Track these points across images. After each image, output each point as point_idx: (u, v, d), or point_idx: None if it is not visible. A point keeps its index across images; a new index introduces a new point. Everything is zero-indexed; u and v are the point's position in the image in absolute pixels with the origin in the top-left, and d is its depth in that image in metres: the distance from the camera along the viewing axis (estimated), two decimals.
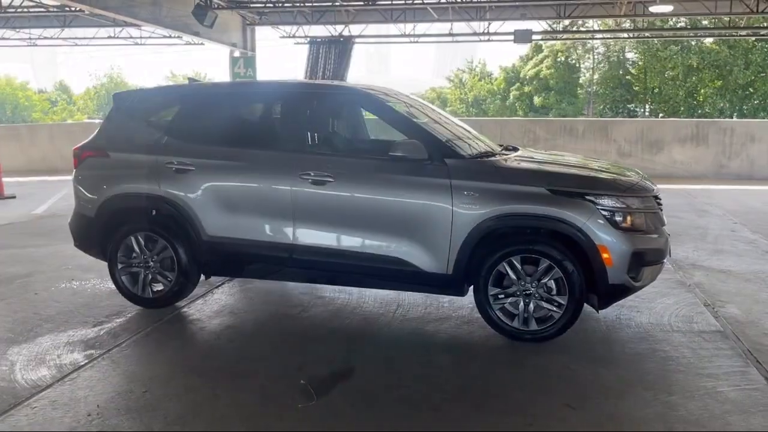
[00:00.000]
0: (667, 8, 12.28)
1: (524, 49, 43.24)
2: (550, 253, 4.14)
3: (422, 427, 3.20)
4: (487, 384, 3.69)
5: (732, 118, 31.11)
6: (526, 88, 43.12)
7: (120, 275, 4.99)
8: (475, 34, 15.65)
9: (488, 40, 15.40)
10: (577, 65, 42.96)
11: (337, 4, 14.18)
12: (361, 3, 14.42)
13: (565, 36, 21.99)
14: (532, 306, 4.25)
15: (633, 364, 3.95)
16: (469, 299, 4.93)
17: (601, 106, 41.53)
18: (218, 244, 4.74)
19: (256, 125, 5.15)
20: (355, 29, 15.91)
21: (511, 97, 44.14)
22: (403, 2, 14.29)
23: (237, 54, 16.78)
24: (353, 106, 5.49)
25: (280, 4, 13.75)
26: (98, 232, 5.00)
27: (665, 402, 3.42)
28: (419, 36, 16.37)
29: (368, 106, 4.84)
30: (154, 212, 4.98)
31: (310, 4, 14.12)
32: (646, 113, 40.48)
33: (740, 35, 24.58)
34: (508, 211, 4.17)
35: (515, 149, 5.04)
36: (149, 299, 4.98)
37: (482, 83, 49.75)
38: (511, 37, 14.86)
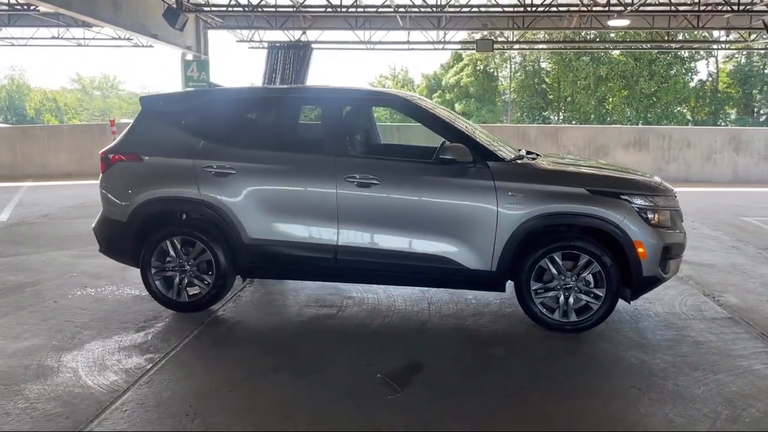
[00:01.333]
0: (624, 22, 13.13)
1: (445, 56, 44.43)
2: (590, 249, 4.47)
3: (510, 412, 3.43)
4: (551, 371, 3.96)
5: (638, 125, 33.14)
6: (448, 95, 43.98)
7: (153, 280, 4.94)
8: (430, 42, 16.09)
9: (443, 49, 15.85)
10: (496, 74, 44.33)
11: (295, 10, 14.24)
12: (321, 9, 14.53)
13: (518, 46, 22.79)
14: (572, 299, 4.56)
15: (670, 348, 4.32)
16: (492, 295, 5.25)
17: (519, 114, 43.20)
18: (261, 247, 4.80)
19: (297, 129, 5.23)
20: (312, 35, 15.99)
21: None
22: (363, 10, 14.51)
23: (189, 57, 16.48)
24: (387, 110, 5.67)
25: (239, 8, 13.64)
26: (130, 236, 4.94)
27: (715, 380, 3.80)
28: (376, 43, 16.65)
29: (408, 111, 5.01)
30: (183, 216, 5.00)
31: (270, 9, 14.10)
32: (560, 120, 42.49)
33: (645, 48, 26.25)
34: (551, 211, 4.47)
35: (537, 154, 5.36)
36: (184, 303, 4.96)
37: (405, 90, 50.65)
38: (460, 46, 15.39)
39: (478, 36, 13.85)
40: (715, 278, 6.13)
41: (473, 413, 3.39)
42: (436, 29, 14.55)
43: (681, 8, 12.71)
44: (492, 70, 44.64)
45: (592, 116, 38.27)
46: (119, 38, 16.89)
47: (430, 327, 4.78)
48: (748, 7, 11.57)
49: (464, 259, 4.59)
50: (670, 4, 11.95)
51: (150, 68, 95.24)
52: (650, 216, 4.50)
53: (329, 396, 3.58)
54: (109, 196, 5.03)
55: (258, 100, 5.23)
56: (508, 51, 40.47)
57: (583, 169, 4.89)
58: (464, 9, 12.30)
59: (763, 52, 32.65)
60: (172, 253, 4.91)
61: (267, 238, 4.79)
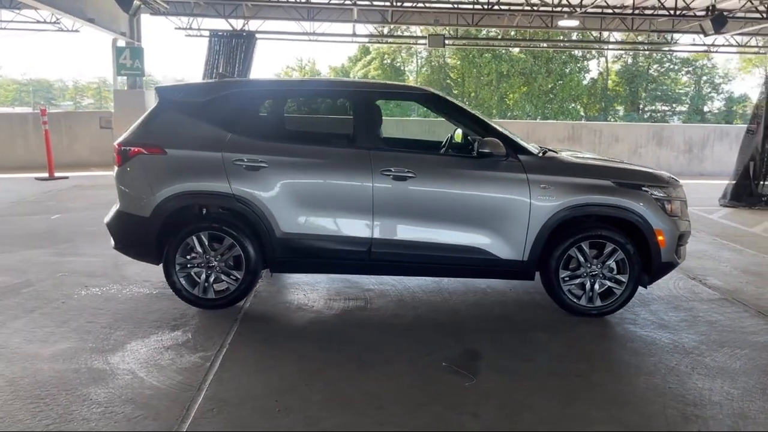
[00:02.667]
0: (573, 23, 13.76)
1: (353, 49, 44.45)
2: (615, 238, 4.76)
3: (588, 392, 3.63)
4: (598, 352, 4.22)
5: (536, 120, 34.56)
6: None
7: (178, 277, 4.78)
8: (374, 36, 16.10)
9: (388, 43, 15.92)
10: (403, 68, 44.74)
11: None
12: None
13: (462, 42, 23.14)
14: (597, 285, 4.84)
15: (690, 328, 4.70)
16: (504, 284, 5.48)
17: (424, 109, 43.94)
18: (294, 241, 4.75)
19: (327, 122, 5.19)
20: (254, 25, 15.62)
21: None
22: (307, 1, 14.36)
23: (122, 43, 15.68)
24: (417, 105, 5.72)
25: None
26: (153, 232, 4.75)
27: (744, 355, 4.20)
28: (320, 35, 16.49)
29: (437, 106, 5.11)
30: (211, 211, 4.87)
31: None
32: None
33: (542, 47, 27.60)
34: (581, 202, 4.72)
35: (554, 149, 5.60)
36: (211, 300, 4.83)
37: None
38: (403, 41, 15.55)
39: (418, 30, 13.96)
40: (692, 264, 6.64)
41: (555, 396, 3.56)
42: (387, 23, 14.63)
43: (617, 10, 13.47)
44: (399, 64, 44.97)
45: (494, 111, 39.49)
46: (43, 21, 15.77)
47: (462, 316, 4.92)
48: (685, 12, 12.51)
49: (497, 250, 4.76)
50: (606, 6, 12.66)
51: (52, 54, 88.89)
52: (666, 206, 4.85)
53: (410, 385, 3.63)
54: (128, 190, 4.81)
55: (287, 93, 5.16)
56: (414, 46, 40.84)
57: (609, 164, 5.19)
58: (418, 5, 12.45)
59: (647, 53, 34.96)
60: (198, 248, 4.77)
61: (301, 232, 4.75)
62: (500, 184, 4.73)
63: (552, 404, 3.46)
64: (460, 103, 5.17)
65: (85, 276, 5.70)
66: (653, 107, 44.47)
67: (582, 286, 4.86)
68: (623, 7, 14.40)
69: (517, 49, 37.01)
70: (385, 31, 17.13)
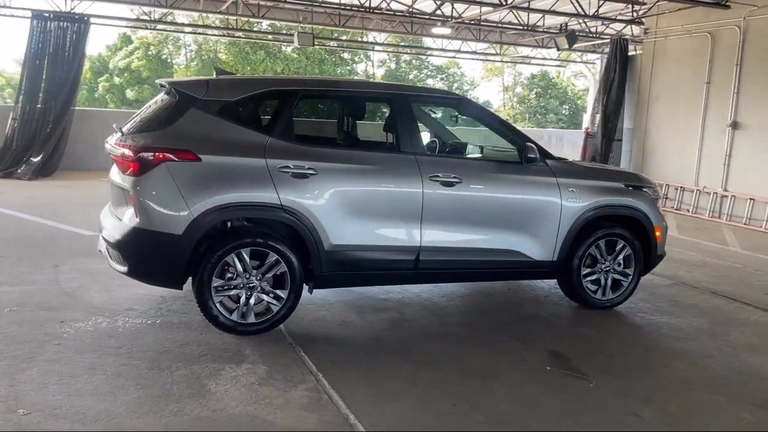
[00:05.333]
0: (446, 31, 14.26)
1: (112, 37, 40.49)
2: (625, 235, 5.23)
3: (687, 380, 3.97)
4: (653, 343, 4.65)
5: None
6: (118, 80, 40.37)
7: (215, 302, 4.17)
8: (231, 29, 15.06)
9: (248, 38, 15.02)
10: (170, 60, 42.29)
11: None
12: None
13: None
14: (609, 280, 5.26)
15: (702, 316, 5.31)
16: (505, 285, 5.69)
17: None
18: (344, 253, 4.43)
19: (372, 126, 4.86)
20: (82, 7, 13.68)
21: (101, 89, 40.83)
22: None
23: None
24: (450, 110, 5.61)
25: None
26: (186, 252, 4.07)
27: (761, 333, 4.90)
28: (157, 22, 14.94)
29: (468, 111, 5.10)
30: (228, 225, 4.33)
31: None
32: None
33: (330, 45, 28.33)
34: (603, 203, 5.10)
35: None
36: (251, 325, 4.28)
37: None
38: (272, 38, 14.81)
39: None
40: None
41: (667, 387, 3.85)
42: (255, 17, 13.80)
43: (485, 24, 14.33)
44: (165, 56, 42.25)
45: None
46: None
47: (504, 319, 5.02)
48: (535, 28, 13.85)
49: (531, 251, 4.93)
50: (480, 20, 13.53)
51: None
52: (658, 205, 5.46)
53: (542, 394, 3.62)
54: (153, 204, 4.04)
55: (328, 94, 4.74)
56: (182, 38, 38.76)
57: (615, 168, 5.64)
58: (288, 2, 12.01)
59: (409, 58, 37.57)
60: (238, 267, 4.20)
61: (351, 243, 4.44)
62: (536, 188, 4.91)
63: (682, 397, 3.74)
64: (490, 109, 5.24)
65: (43, 309, 4.64)
66: None
67: (597, 281, 5.25)
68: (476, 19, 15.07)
69: (290, 48, 36.36)
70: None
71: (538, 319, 5.04)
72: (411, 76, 43.27)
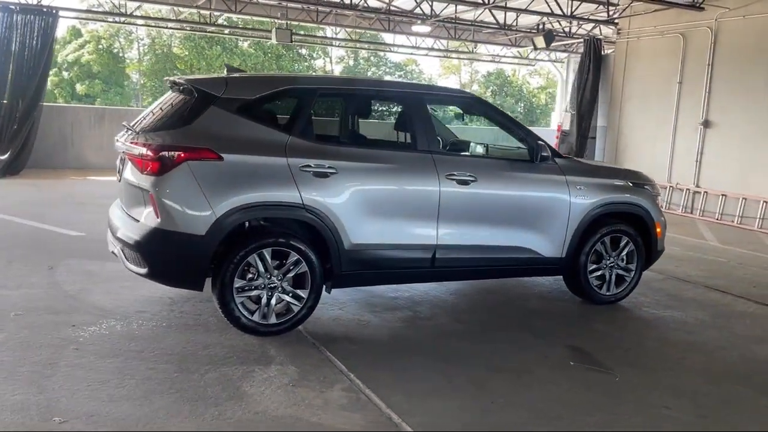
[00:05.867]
0: (426, 29, 14.24)
1: (61, 31, 39.45)
2: (629, 231, 5.36)
3: (711, 370, 4.10)
4: (668, 336, 4.79)
5: None
6: (67, 74, 39.18)
7: (236, 303, 4.11)
8: (197, 22, 14.70)
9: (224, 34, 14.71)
10: (122, 54, 41.13)
11: None
12: None
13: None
14: (614, 275, 5.38)
15: (700, 309, 5.47)
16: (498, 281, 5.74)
17: (151, 99, 40.85)
18: (363, 252, 4.42)
19: (389, 125, 4.85)
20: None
21: (49, 83, 39.50)
22: None
23: None
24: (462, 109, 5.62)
25: None
26: (209, 252, 4.01)
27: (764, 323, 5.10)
28: (130, 16, 14.51)
29: (480, 109, 5.13)
30: (246, 225, 4.27)
31: None
32: None
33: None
34: (609, 200, 5.21)
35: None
36: (273, 325, 4.23)
37: None
38: (250, 34, 14.55)
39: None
40: None
41: (690, 379, 3.97)
42: (233, 13, 13.53)
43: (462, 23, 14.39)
44: (117, 50, 41.02)
45: None
46: None
47: (516, 315, 5.09)
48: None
49: (542, 248, 5.01)
50: (456, 19, 13.61)
51: None
52: (658, 201, 5.61)
53: (570, 389, 3.69)
54: (175, 204, 3.96)
55: (347, 92, 4.70)
56: (135, 32, 37.70)
57: (613, 165, 5.76)
58: None
59: (367, 56, 37.32)
60: (260, 268, 4.15)
61: (370, 242, 4.44)
62: (547, 186, 4.98)
63: (715, 386, 3.86)
64: (500, 108, 5.29)
65: (50, 313, 4.49)
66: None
67: (601, 277, 5.36)
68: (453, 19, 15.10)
69: (246, 43, 35.78)
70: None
71: (548, 315, 5.12)
72: (369, 73, 42.88)
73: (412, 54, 21.71)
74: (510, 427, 3.19)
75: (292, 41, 14.74)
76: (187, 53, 37.27)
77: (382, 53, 37.80)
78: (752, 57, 10.64)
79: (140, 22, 16.30)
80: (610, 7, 12.47)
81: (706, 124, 11.50)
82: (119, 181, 4.54)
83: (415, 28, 14.31)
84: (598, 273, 5.32)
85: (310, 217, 4.20)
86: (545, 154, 4.87)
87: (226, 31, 21.32)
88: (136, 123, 4.42)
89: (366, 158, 4.45)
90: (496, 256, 4.88)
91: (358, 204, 4.33)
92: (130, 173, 4.26)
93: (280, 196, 4.13)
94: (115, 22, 15.71)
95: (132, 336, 4.14)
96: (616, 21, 13.07)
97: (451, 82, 44.01)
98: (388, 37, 19.72)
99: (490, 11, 13.12)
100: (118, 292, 5.04)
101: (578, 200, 5.05)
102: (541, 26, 13.09)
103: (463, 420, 3.25)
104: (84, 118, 13.72)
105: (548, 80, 41.17)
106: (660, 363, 4.20)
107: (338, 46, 27.16)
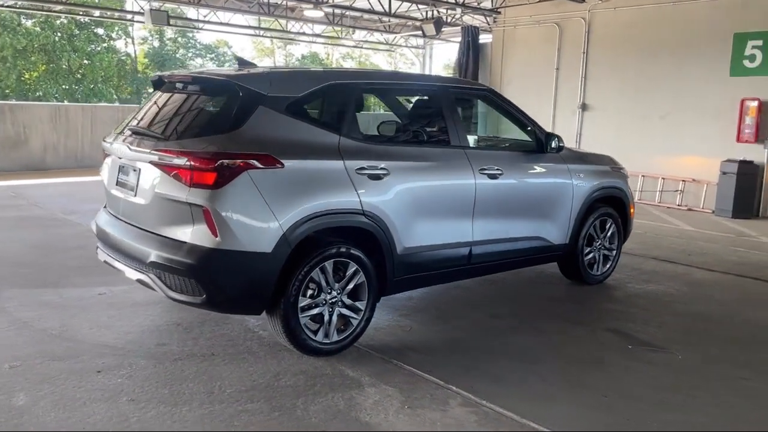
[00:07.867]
0: (319, 14, 13.51)
1: None
2: (614, 214, 5.72)
3: (733, 340, 4.49)
4: (672, 310, 5.13)
5: (64, 102, 30.80)
6: None
7: (301, 324, 3.73)
8: (89, 6, 12.56)
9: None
10: None
11: None
12: None
13: None
14: (601, 256, 5.71)
15: (672, 280, 5.98)
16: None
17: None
18: (413, 256, 4.24)
19: (428, 120, 4.58)
20: None
21: None
22: None
23: None
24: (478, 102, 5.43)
25: None
26: (276, 271, 3.58)
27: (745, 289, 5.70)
28: (74, 5, 11.99)
29: (494, 101, 5.08)
30: (336, 233, 3.91)
31: None
32: None
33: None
34: (601, 185, 5.50)
35: None
36: (336, 343, 3.90)
37: None
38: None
39: None
40: None
41: (744, 348, 4.34)
42: None
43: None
44: None
45: (11, 92, 32.75)
46: None
47: (538, 304, 5.19)
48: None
49: (551, 236, 5.18)
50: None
51: None
52: (628, 183, 6.04)
53: (642, 374, 3.84)
54: (238, 220, 3.46)
55: (388, 87, 4.38)
56: None
57: (594, 152, 6.04)
58: None
59: (174, 37, 35.65)
60: (322, 282, 3.80)
61: (419, 245, 4.27)
62: (556, 175, 5.14)
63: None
64: (511, 101, 5.28)
65: (54, 360, 3.72)
66: None
67: (592, 258, 5.66)
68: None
69: (30, 22, 32.15)
70: None
71: (565, 300, 5.30)
72: (178, 55, 40.11)
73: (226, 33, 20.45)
74: (649, 421, 3.26)
75: (168, 24, 13.43)
76: None
77: (190, 34, 35.67)
78: (622, 45, 11.79)
79: None
80: None
81: (584, 107, 12.56)
82: (113, 190, 3.93)
83: (308, 14, 13.82)
84: (591, 255, 5.60)
85: (368, 223, 3.92)
86: (561, 144, 5.01)
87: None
88: (143, 126, 3.83)
89: (414, 157, 4.24)
90: (516, 247, 4.94)
91: (408, 205, 4.13)
92: (161, 185, 3.63)
93: (343, 203, 3.79)
94: None
95: (180, 377, 3.57)
96: (499, 10, 13.71)
97: (264, 65, 42.95)
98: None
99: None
100: (109, 325, 4.34)
101: (579, 187, 5.26)
102: (432, 14, 13.37)
103: (596, 418, 3.25)
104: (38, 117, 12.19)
105: (392, 66, 41.25)
106: (701, 336, 4.53)
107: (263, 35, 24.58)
